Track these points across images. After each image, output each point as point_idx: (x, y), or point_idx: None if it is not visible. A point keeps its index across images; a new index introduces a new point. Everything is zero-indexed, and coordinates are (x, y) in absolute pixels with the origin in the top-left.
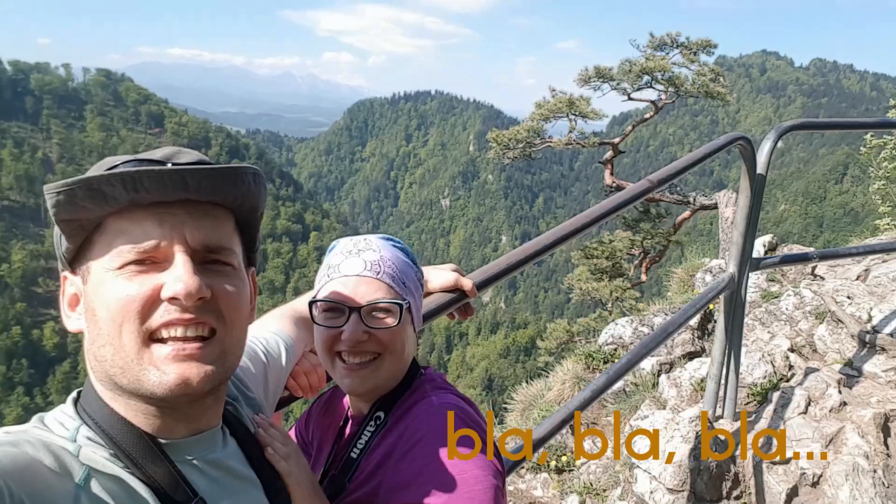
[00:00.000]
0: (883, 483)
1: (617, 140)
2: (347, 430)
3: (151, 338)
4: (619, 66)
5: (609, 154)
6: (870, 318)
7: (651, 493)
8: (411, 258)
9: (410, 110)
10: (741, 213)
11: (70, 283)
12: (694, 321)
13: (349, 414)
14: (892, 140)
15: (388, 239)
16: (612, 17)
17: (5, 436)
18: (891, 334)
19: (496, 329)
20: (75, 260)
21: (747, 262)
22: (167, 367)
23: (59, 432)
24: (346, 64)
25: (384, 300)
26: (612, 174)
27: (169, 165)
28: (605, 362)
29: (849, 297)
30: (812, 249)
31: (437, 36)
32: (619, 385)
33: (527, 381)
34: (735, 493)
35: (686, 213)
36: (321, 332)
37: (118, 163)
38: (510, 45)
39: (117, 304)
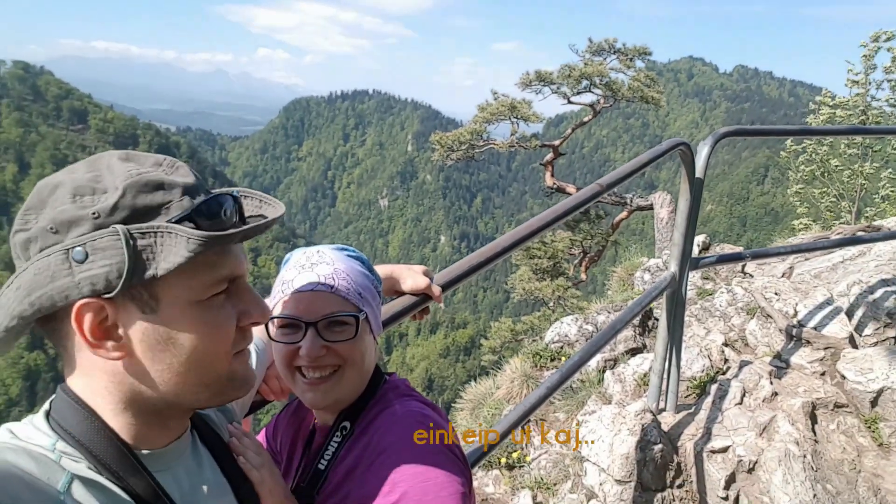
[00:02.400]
0: (812, 467)
1: (557, 142)
2: (315, 441)
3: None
4: (559, 70)
5: (549, 156)
6: (796, 314)
7: (600, 484)
8: (367, 266)
9: (348, 109)
10: (681, 215)
11: (99, 310)
12: (636, 319)
13: (316, 425)
14: (810, 145)
15: (342, 249)
16: (549, 20)
17: None
18: (815, 328)
19: (436, 329)
20: (119, 287)
21: (687, 262)
22: (248, 373)
23: (36, 441)
24: (282, 62)
25: (340, 313)
26: (552, 175)
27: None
28: (552, 360)
29: (776, 294)
30: (742, 249)
31: (376, 35)
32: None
33: (470, 381)
34: (678, 481)
35: (623, 214)
36: (279, 348)
37: (198, 193)
38: (448, 46)
39: (220, 332)
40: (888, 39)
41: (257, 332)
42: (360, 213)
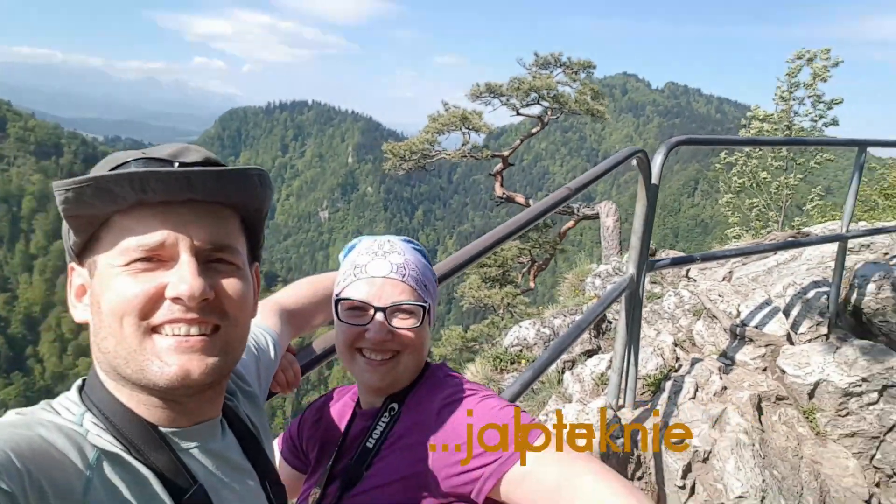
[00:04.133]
0: (760, 455)
1: (507, 153)
2: (356, 425)
3: (153, 331)
4: (509, 82)
5: (499, 166)
6: (738, 314)
7: None
8: (428, 260)
9: (287, 120)
10: (638, 220)
11: (77, 275)
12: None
13: (357, 410)
14: (740, 158)
15: (408, 241)
16: (488, 35)
17: (19, 418)
18: (756, 327)
19: None
20: (82, 253)
21: (644, 264)
22: (169, 359)
23: (66, 416)
24: (219, 71)
25: (408, 302)
26: (501, 185)
27: (176, 165)
28: (511, 363)
29: (720, 296)
30: (682, 254)
31: (316, 45)
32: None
33: None
34: (638, 473)
35: (570, 223)
36: (345, 328)
37: (126, 160)
38: (389, 58)
39: (120, 299)
40: (810, 60)
41: (271, 322)
42: (300, 225)
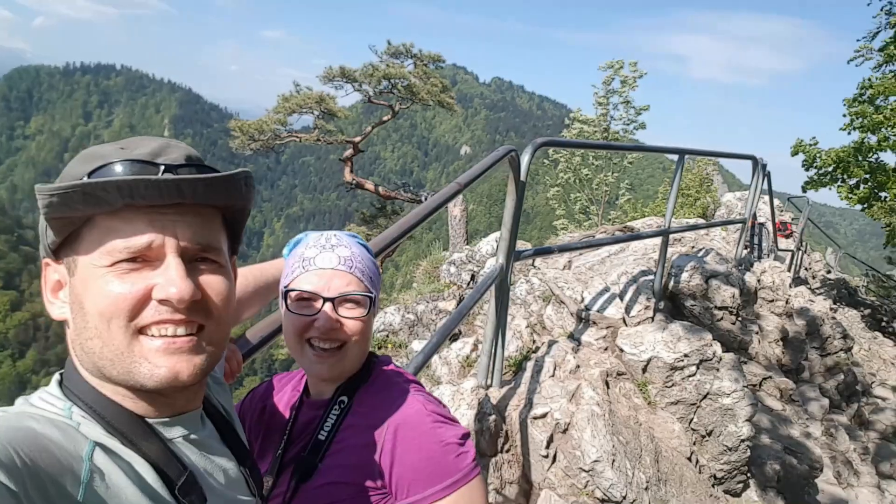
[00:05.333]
0: (609, 423)
1: (358, 139)
2: (304, 415)
3: (140, 332)
4: (362, 68)
5: (349, 152)
6: (582, 300)
7: None
8: (372, 254)
9: (90, 84)
10: (508, 213)
11: (53, 270)
12: (451, 307)
13: (304, 399)
14: (564, 155)
15: (353, 236)
16: (319, 11)
17: (5, 416)
18: (598, 311)
19: None
20: (60, 249)
21: (512, 254)
22: (158, 360)
23: (53, 410)
24: (4, 21)
25: (356, 293)
26: (351, 171)
27: (161, 167)
28: (378, 348)
29: (565, 283)
30: (533, 246)
31: (124, 4)
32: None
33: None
34: (506, 446)
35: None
36: (293, 318)
37: (109, 160)
38: (211, 27)
39: (107, 301)
40: (619, 69)
41: None
42: None
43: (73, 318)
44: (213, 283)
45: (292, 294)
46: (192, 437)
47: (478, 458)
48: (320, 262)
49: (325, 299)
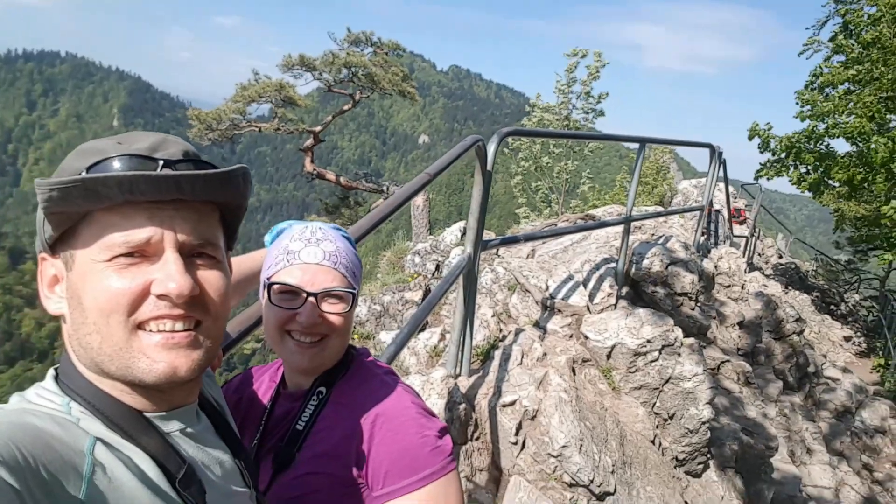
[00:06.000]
0: (576, 409)
1: (318, 128)
2: (280, 406)
3: (139, 327)
4: (322, 56)
5: (310, 142)
6: (547, 288)
7: None
8: (354, 248)
9: (33, 72)
10: (475, 203)
11: (50, 265)
12: (418, 297)
13: (281, 390)
14: (525, 144)
15: (337, 229)
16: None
17: (5, 411)
18: (563, 299)
19: None
20: (57, 244)
21: (479, 244)
22: (157, 356)
23: (50, 406)
24: None
25: (339, 288)
26: (312, 161)
27: (160, 162)
28: None
29: (530, 271)
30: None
31: None
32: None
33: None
34: (476, 434)
35: (380, 201)
36: (275, 311)
37: (107, 155)
38: (160, 12)
39: (106, 296)
40: (583, 56)
41: None
42: None
43: (71, 314)
44: (210, 278)
45: (276, 287)
46: (189, 430)
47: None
48: (305, 257)
49: (309, 294)
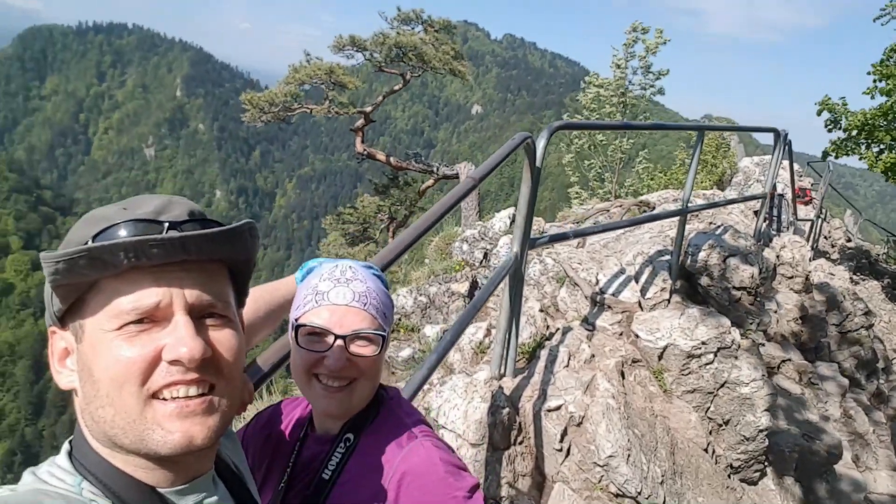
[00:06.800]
0: (625, 416)
1: (369, 109)
2: (308, 449)
3: (153, 396)
4: (372, 37)
5: (360, 122)
6: (597, 282)
7: (457, 448)
8: (386, 286)
9: (103, 44)
10: (523, 200)
11: (60, 338)
12: (464, 289)
13: (309, 432)
14: (581, 119)
15: (369, 267)
16: None
17: (16, 494)
18: (613, 294)
19: None
20: (66, 316)
21: (527, 243)
22: (171, 426)
23: (62, 486)
24: None
25: (368, 330)
26: (363, 142)
27: (165, 225)
28: (392, 332)
29: (579, 263)
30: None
31: None
32: (408, 352)
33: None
34: (519, 439)
35: (430, 182)
36: (303, 354)
37: (113, 221)
38: None
39: (118, 366)
40: (644, 32)
41: None
42: (122, 162)
43: (83, 387)
44: (222, 339)
45: (303, 329)
46: (206, 502)
47: (490, 452)
48: (334, 298)
49: (338, 336)
